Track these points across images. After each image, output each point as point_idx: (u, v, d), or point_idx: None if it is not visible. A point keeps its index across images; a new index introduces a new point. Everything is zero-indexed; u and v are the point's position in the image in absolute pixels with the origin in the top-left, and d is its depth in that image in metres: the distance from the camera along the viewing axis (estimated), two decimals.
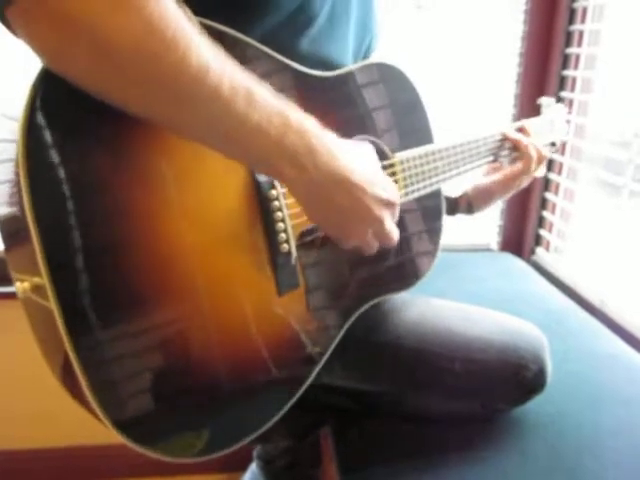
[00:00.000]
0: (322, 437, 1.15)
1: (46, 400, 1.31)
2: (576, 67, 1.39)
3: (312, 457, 1.18)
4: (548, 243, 1.54)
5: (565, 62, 1.42)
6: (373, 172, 0.65)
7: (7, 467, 1.43)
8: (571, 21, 1.39)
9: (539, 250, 1.56)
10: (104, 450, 1.42)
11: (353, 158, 0.62)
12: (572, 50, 1.39)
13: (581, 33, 1.37)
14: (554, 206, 1.50)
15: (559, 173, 1.47)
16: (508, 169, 0.98)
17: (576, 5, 1.37)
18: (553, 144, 1.11)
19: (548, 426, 0.88)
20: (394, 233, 0.69)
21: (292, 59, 0.69)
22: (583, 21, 1.37)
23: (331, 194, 0.60)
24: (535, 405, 0.89)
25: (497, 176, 0.99)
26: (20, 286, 0.53)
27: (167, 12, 0.47)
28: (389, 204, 0.66)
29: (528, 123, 1.02)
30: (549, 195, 1.51)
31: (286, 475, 1.20)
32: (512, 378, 0.86)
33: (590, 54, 1.36)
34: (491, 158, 0.97)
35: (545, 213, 1.53)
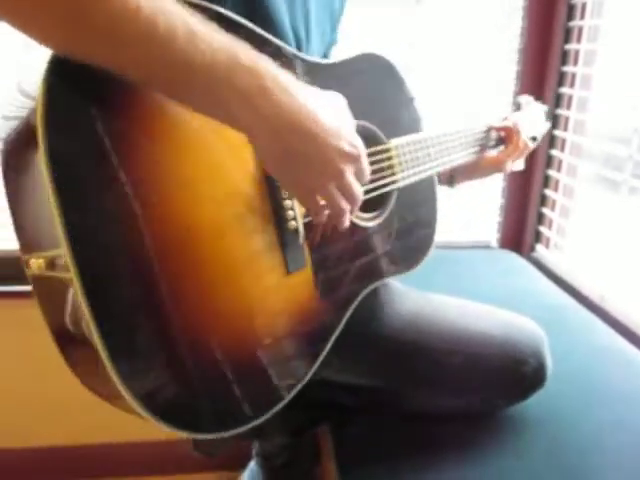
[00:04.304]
0: (321, 434, 1.15)
1: (50, 399, 1.31)
2: (575, 63, 1.39)
3: (311, 454, 1.18)
4: (548, 240, 1.53)
5: (564, 58, 1.41)
6: (339, 123, 0.60)
7: (9, 465, 1.43)
8: (570, 17, 1.39)
9: (539, 247, 1.56)
10: (105, 449, 1.42)
11: (318, 104, 0.57)
12: (571, 46, 1.39)
13: (580, 29, 1.37)
14: (554, 203, 1.50)
15: (558, 170, 1.47)
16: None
17: (575, 1, 1.37)
18: (534, 138, 1.15)
19: (548, 423, 0.87)
20: (355, 189, 0.62)
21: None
22: (582, 17, 1.37)
23: (289, 140, 0.55)
24: (535, 402, 0.89)
25: (484, 153, 1.02)
26: (35, 263, 0.53)
27: None
28: (351, 158, 0.60)
29: (510, 117, 1.06)
30: (549, 192, 1.50)
31: (285, 473, 1.20)
32: (511, 373, 0.86)
33: (589, 50, 1.36)
34: (479, 148, 1.00)
35: (545, 210, 1.53)
